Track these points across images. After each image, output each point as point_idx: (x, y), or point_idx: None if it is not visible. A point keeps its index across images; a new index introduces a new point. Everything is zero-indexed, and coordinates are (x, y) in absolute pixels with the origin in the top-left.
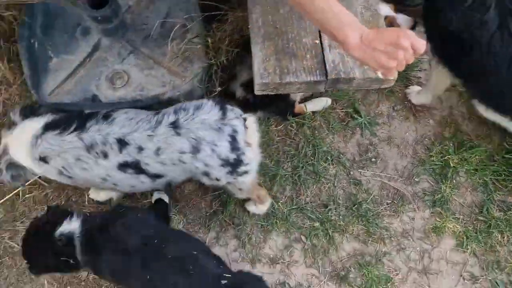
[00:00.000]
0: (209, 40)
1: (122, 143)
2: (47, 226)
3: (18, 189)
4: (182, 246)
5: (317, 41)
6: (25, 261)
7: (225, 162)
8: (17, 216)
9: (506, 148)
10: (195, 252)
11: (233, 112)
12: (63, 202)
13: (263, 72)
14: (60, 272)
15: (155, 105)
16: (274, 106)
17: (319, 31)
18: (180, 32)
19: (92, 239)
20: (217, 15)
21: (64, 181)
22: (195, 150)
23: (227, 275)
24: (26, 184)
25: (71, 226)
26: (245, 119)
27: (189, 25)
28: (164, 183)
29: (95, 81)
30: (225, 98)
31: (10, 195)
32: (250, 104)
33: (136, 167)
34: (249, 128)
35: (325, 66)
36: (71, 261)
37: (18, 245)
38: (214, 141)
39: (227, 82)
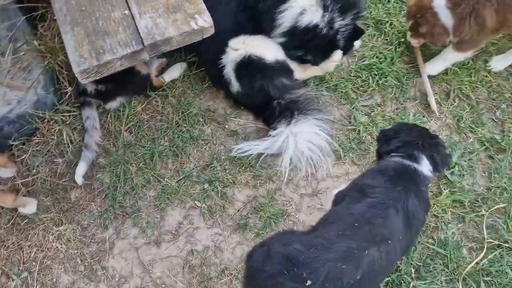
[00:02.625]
0: (36, 43)
1: None
2: None
3: None
4: None
5: (126, 12)
6: None
7: None
8: None
9: None
10: None
11: None
12: None
13: (79, 59)
14: None
15: (6, 126)
16: (130, 87)
17: (126, 1)
18: (7, 44)
19: None
20: (38, 15)
21: None
22: None
23: None
24: None
25: None
26: None
27: (12, 33)
28: None
29: None
30: (80, 95)
31: None
32: (105, 93)
33: None
34: None
35: (139, 34)
36: None
37: None
38: None
39: (75, 79)
